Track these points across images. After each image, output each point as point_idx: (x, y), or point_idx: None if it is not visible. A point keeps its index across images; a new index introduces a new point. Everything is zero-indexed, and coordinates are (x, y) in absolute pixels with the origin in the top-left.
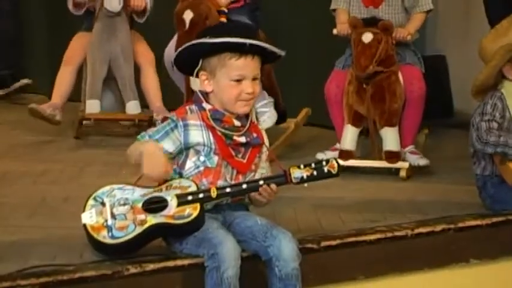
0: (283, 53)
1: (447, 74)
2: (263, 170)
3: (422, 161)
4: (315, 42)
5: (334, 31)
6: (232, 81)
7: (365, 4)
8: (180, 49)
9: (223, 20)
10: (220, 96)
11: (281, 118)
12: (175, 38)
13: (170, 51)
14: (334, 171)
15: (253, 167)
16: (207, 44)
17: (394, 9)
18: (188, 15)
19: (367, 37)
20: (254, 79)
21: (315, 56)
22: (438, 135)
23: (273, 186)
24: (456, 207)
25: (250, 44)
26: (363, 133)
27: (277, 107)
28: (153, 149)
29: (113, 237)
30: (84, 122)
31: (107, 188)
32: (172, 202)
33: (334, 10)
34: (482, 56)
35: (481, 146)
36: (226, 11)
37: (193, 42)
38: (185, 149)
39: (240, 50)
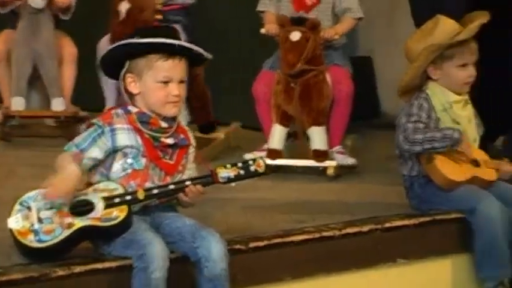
0: (210, 56)
1: (373, 75)
2: (190, 170)
3: (350, 160)
4: (245, 45)
5: (262, 30)
6: (159, 83)
7: (295, 9)
8: (105, 52)
9: (159, 17)
10: (147, 99)
11: (211, 128)
12: (106, 37)
13: (103, 44)
14: (261, 170)
15: (180, 168)
16: (134, 44)
17: (324, 15)
18: (124, 6)
19: (295, 35)
20: (181, 82)
21: (245, 59)
22: (365, 136)
23: (200, 186)
24: (383, 207)
25: (178, 46)
26: (292, 136)
27: (206, 116)
28: (69, 176)
29: (40, 241)
30: (9, 121)
31: (33, 192)
32: (99, 205)
33: (261, 12)
34: (408, 56)
35: (408, 146)
36: (161, 8)
37: (120, 43)
38: (113, 152)
39: (168, 51)
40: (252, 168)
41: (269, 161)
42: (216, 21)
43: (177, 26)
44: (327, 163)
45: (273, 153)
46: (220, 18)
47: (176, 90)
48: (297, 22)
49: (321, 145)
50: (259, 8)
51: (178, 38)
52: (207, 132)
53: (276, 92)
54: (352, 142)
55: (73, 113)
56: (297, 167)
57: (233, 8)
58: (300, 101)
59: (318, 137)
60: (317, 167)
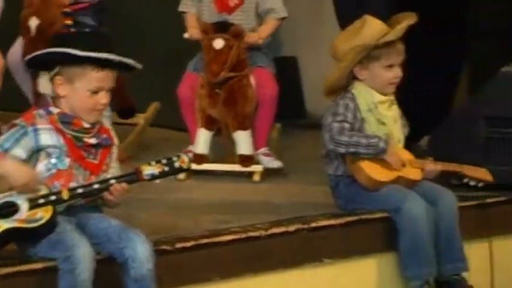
0: (140, 66)
1: (299, 75)
2: (114, 169)
3: (276, 163)
4: (167, 43)
5: (186, 35)
6: (89, 92)
7: (218, 10)
8: (40, 52)
9: (69, 22)
10: (74, 103)
11: (129, 113)
12: (19, 41)
13: (14, 54)
14: (185, 166)
15: (104, 167)
16: (72, 55)
17: (248, 16)
18: (34, 22)
19: (218, 43)
20: (108, 90)
21: (168, 57)
22: (291, 136)
23: (124, 184)
24: (310, 207)
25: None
26: (217, 134)
27: (123, 100)
28: (10, 167)
29: None
30: None
31: None
32: (24, 206)
33: (183, 12)
34: (335, 56)
35: (333, 146)
36: (69, 10)
37: (59, 50)
38: (36, 151)
39: (103, 65)
40: (177, 164)
41: (195, 166)
42: (133, 17)
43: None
44: (253, 168)
45: (199, 158)
46: (139, 15)
47: (105, 99)
48: (220, 29)
49: (247, 150)
50: (181, 8)
51: (112, 48)
52: (126, 117)
53: (200, 96)
54: (277, 132)
55: None
56: (222, 172)
57: (154, 5)
58: (225, 106)
59: (243, 142)
60: (243, 172)
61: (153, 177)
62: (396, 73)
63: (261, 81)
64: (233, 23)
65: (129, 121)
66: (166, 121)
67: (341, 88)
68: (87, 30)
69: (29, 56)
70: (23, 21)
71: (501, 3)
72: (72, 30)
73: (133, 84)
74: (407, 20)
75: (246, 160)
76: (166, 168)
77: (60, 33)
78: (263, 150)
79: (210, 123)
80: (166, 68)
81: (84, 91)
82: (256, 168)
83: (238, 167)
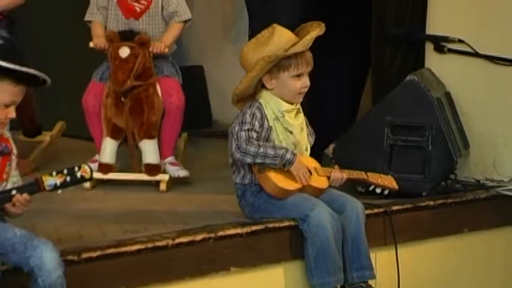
0: (49, 81)
1: (205, 84)
2: (14, 178)
3: (183, 173)
4: (72, 53)
5: (91, 44)
6: (1, 106)
7: (125, 16)
8: None
9: None
10: None
11: (36, 132)
12: None
13: None
14: (87, 176)
15: (4, 176)
16: None
17: (155, 20)
18: None
19: (124, 52)
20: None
21: (73, 66)
22: (197, 145)
23: (26, 195)
24: (217, 216)
25: (28, 74)
26: (124, 143)
27: (30, 118)
28: None
29: None
30: None
31: None
32: None
33: (89, 22)
34: (243, 65)
35: (240, 155)
36: None
37: None
38: None
39: (19, 78)
40: (78, 174)
41: (101, 176)
42: (39, 29)
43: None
44: (159, 177)
45: (105, 168)
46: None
47: (13, 113)
48: (126, 37)
49: (153, 159)
50: (87, 18)
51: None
52: (32, 135)
53: (106, 105)
54: (183, 142)
55: None
56: (129, 181)
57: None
58: (131, 115)
59: (149, 151)
60: (150, 181)
61: (55, 187)
62: (305, 82)
63: (168, 91)
64: (139, 31)
65: (34, 139)
66: (72, 131)
67: (249, 97)
68: (1, 42)
69: None
70: None
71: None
72: None
73: (38, 95)
74: (316, 30)
75: (153, 169)
76: (68, 178)
77: None
78: (170, 159)
79: (116, 132)
80: (71, 78)
81: None
82: (163, 177)
83: (144, 176)
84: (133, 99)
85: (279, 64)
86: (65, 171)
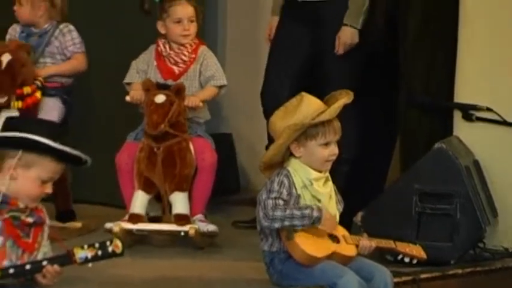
0: (89, 162)
1: (234, 152)
2: (45, 248)
3: (211, 227)
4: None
5: (127, 98)
6: (40, 181)
7: (164, 78)
8: (4, 135)
9: (38, 82)
10: (21, 188)
11: (68, 217)
12: None
13: None
14: (118, 251)
15: (36, 245)
16: (37, 142)
17: (192, 83)
18: (6, 57)
19: (160, 98)
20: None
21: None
22: (226, 212)
23: (56, 266)
24: (244, 283)
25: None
26: (154, 199)
27: (65, 203)
28: None
29: None
30: None
31: None
32: None
33: (128, 84)
34: (272, 132)
35: (268, 223)
36: (40, 85)
37: (30, 136)
38: None
39: (61, 157)
40: (110, 249)
41: (130, 226)
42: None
43: (56, 100)
44: (188, 227)
45: (135, 218)
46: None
47: (50, 189)
48: (162, 87)
49: (183, 209)
50: (126, 80)
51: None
52: (65, 221)
53: (139, 160)
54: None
55: None
56: (158, 231)
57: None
58: (163, 167)
59: (180, 202)
60: (179, 232)
61: (86, 260)
62: (332, 151)
63: (201, 149)
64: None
65: (66, 225)
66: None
67: (277, 164)
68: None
69: None
70: None
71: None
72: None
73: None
74: (343, 99)
75: (182, 219)
76: (99, 252)
77: (16, 118)
78: (199, 216)
79: (147, 186)
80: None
81: (37, 180)
82: (192, 226)
83: (174, 226)
84: (166, 151)
85: (307, 132)
86: (97, 245)
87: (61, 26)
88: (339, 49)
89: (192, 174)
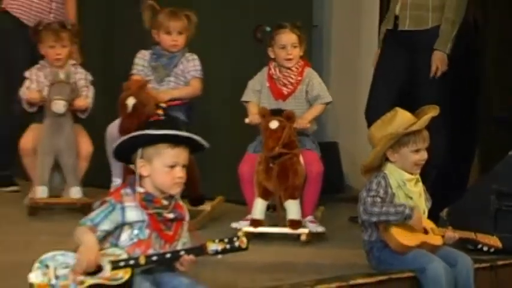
0: (207, 145)
1: (339, 158)
2: (185, 239)
3: (320, 228)
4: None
5: (246, 120)
6: (166, 167)
7: (275, 97)
8: (121, 140)
9: (160, 112)
10: (155, 180)
11: (199, 202)
12: (117, 121)
13: (113, 127)
14: (243, 246)
15: (176, 237)
16: (147, 136)
17: (299, 102)
18: (131, 101)
19: (274, 124)
20: (184, 166)
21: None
22: (332, 208)
23: (192, 256)
24: (348, 267)
25: (183, 136)
26: (271, 208)
27: (195, 191)
28: (89, 245)
29: None
30: (33, 204)
31: (50, 254)
32: (107, 267)
33: (245, 102)
34: (371, 141)
35: (366, 216)
36: (164, 106)
37: (135, 134)
38: (121, 225)
39: (174, 141)
40: (236, 244)
41: (252, 229)
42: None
43: (178, 114)
44: (301, 231)
45: (255, 223)
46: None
47: (180, 173)
48: (276, 113)
49: (296, 215)
50: (244, 98)
51: (181, 129)
52: (196, 205)
53: (258, 171)
54: (321, 213)
55: (87, 202)
56: (275, 234)
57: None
58: (278, 179)
59: (293, 209)
60: (292, 234)
61: (216, 252)
62: (422, 156)
63: (309, 161)
64: (286, 109)
65: (198, 208)
66: (229, 196)
67: (376, 168)
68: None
69: (116, 144)
70: (122, 100)
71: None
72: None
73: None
74: (431, 112)
75: (295, 224)
76: (227, 246)
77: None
78: (309, 218)
79: (265, 194)
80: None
81: (162, 167)
82: (303, 231)
83: (288, 230)
84: (281, 166)
85: (400, 141)
86: (226, 240)
87: (187, 54)
88: (433, 72)
89: (302, 183)
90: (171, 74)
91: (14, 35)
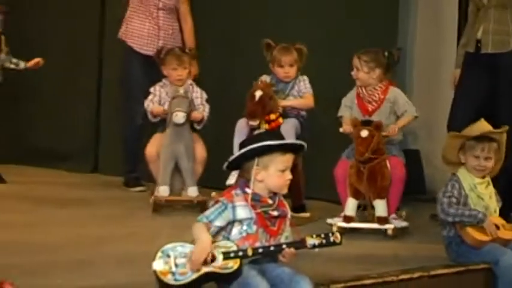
0: (305, 147)
1: (421, 164)
2: (287, 233)
3: (403, 224)
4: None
5: (341, 129)
6: (279, 172)
7: (363, 112)
8: (241, 152)
9: (276, 116)
10: (270, 183)
11: (301, 210)
12: (244, 118)
13: (241, 123)
14: (338, 241)
15: (279, 231)
16: (266, 146)
17: (384, 117)
18: (259, 93)
19: (364, 133)
20: (290, 169)
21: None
22: (414, 208)
23: (293, 249)
24: (429, 260)
25: (293, 145)
26: (360, 207)
27: (299, 199)
28: (205, 243)
29: (176, 280)
30: (157, 202)
31: (171, 245)
32: (220, 257)
33: (340, 116)
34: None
35: (443, 216)
36: (282, 112)
37: (254, 145)
38: (232, 221)
39: (285, 149)
40: (331, 239)
41: (345, 224)
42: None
43: (293, 120)
44: (387, 226)
45: (348, 219)
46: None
47: (290, 175)
48: (365, 123)
49: (383, 213)
50: (340, 113)
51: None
52: (298, 212)
53: (350, 175)
54: (406, 213)
55: (202, 200)
56: (365, 229)
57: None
58: (368, 181)
59: (380, 207)
60: (380, 229)
61: (314, 246)
62: (481, 163)
63: (395, 166)
64: (374, 120)
65: (299, 215)
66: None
67: (455, 163)
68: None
69: (235, 156)
70: (252, 92)
71: None
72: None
73: None
74: (500, 130)
75: (382, 220)
76: (324, 241)
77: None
78: (393, 215)
79: (357, 194)
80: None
81: (276, 172)
82: (390, 226)
83: (376, 225)
84: (370, 170)
85: (466, 145)
86: (322, 235)
87: (299, 77)
88: None
89: (388, 185)
90: (289, 95)
91: (129, 58)
